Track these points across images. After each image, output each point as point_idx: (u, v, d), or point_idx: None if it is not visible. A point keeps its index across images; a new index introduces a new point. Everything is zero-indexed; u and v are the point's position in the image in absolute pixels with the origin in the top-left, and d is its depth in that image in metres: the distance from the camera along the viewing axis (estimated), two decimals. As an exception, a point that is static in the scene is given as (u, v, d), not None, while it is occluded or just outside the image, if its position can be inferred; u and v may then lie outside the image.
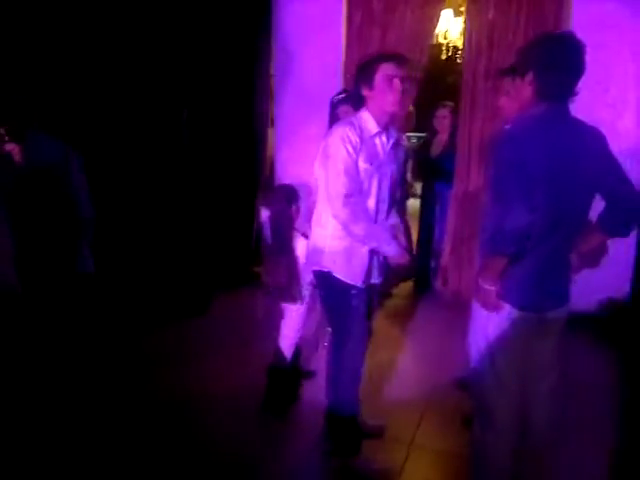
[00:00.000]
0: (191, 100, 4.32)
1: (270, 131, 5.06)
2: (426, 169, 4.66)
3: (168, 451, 2.61)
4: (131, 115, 4.01)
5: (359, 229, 2.31)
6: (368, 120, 2.32)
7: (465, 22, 4.32)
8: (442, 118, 4.55)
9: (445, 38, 5.63)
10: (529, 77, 1.86)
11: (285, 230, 2.81)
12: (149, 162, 4.09)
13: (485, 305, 1.95)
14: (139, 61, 4.02)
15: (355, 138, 2.25)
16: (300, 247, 2.79)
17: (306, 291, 2.84)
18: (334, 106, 3.29)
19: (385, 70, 2.25)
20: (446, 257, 4.58)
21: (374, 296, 2.63)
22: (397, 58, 2.30)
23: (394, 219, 2.56)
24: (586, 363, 3.51)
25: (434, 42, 5.68)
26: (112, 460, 2.52)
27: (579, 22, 3.93)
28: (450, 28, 5.58)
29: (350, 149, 2.24)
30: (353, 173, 2.27)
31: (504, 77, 2.62)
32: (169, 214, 4.22)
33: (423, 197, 4.79)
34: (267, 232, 2.86)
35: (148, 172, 4.09)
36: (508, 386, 1.99)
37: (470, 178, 4.22)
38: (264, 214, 2.86)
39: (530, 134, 1.82)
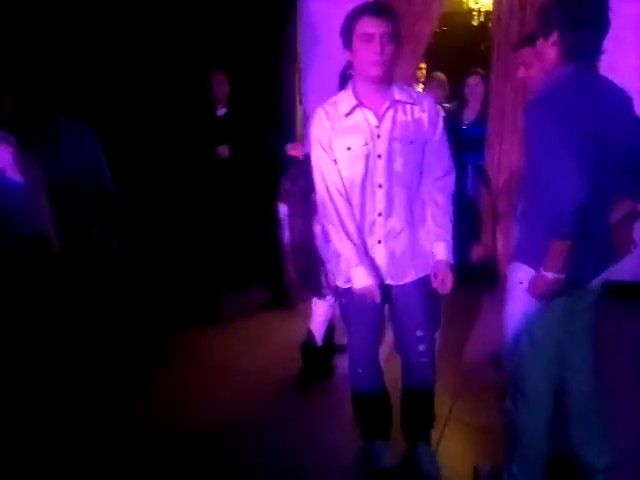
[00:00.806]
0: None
1: (299, 108, 5.02)
2: (456, 140, 4.53)
3: (214, 416, 2.73)
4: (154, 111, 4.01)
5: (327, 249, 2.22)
6: (344, 96, 1.99)
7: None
8: (474, 86, 4.38)
9: (476, 3, 5.45)
10: (553, 37, 1.76)
11: (300, 227, 2.75)
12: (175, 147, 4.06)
13: (543, 295, 1.82)
14: (168, 47, 4.04)
15: (327, 124, 1.96)
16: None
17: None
18: (345, 79, 2.92)
19: (361, 28, 1.87)
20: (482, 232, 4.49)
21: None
22: (375, 10, 1.88)
23: (401, 219, 2.03)
24: (620, 330, 3.44)
25: (465, 7, 5.53)
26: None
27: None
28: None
29: (323, 142, 1.97)
30: (332, 178, 1.97)
31: (523, 48, 2.47)
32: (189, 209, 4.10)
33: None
34: (284, 229, 2.86)
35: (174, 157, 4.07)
36: (543, 354, 1.94)
37: (502, 148, 4.09)
38: (282, 210, 2.85)
39: (568, 97, 1.72)
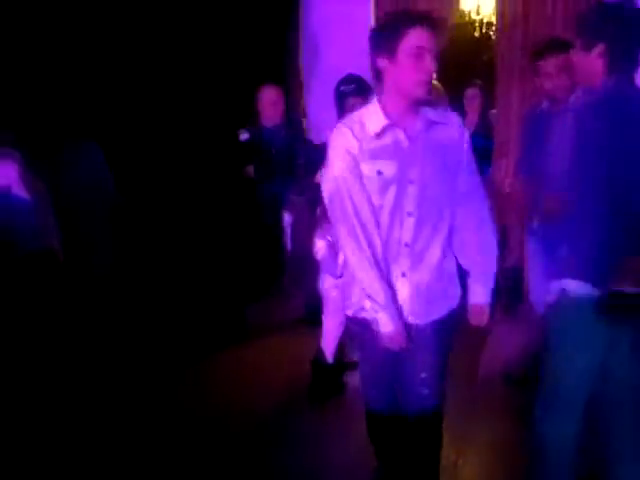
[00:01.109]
0: (220, 97, 4.32)
1: (304, 122, 5.01)
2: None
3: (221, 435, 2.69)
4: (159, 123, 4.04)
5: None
6: (373, 112, 1.76)
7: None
8: (472, 98, 4.38)
9: (478, 14, 5.46)
10: (599, 49, 1.71)
11: (304, 237, 2.74)
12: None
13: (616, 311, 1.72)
14: (173, 61, 4.07)
15: (354, 144, 1.72)
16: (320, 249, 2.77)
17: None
18: (341, 96, 2.78)
19: (415, 39, 1.65)
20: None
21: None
22: (432, 23, 1.68)
23: (429, 251, 1.81)
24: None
25: (466, 19, 5.53)
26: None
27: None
28: (482, 3, 5.40)
29: (349, 164, 1.73)
30: (360, 204, 1.75)
31: (547, 58, 2.50)
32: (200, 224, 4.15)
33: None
34: (288, 238, 2.84)
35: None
36: (583, 364, 1.85)
37: (509, 159, 4.06)
38: (286, 219, 2.83)
39: (619, 108, 1.69)
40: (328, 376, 2.98)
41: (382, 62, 1.70)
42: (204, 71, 4.15)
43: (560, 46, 2.51)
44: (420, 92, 1.69)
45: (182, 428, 2.78)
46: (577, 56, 1.81)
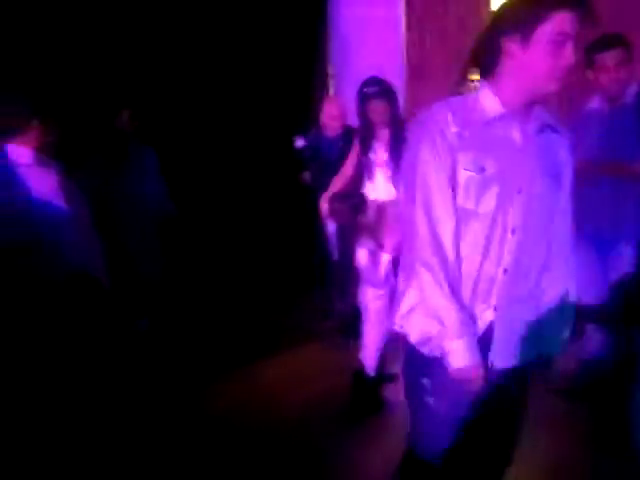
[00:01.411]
0: (249, 104, 4.32)
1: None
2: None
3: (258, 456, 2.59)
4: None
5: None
6: (486, 97, 1.43)
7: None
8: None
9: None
10: None
11: (352, 244, 2.68)
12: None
13: None
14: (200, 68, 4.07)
15: (453, 129, 1.38)
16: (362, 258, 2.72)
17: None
18: (364, 98, 2.71)
19: (559, 23, 1.31)
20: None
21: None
22: (583, 5, 1.33)
23: (531, 280, 1.48)
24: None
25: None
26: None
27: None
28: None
29: (440, 155, 1.39)
30: (443, 207, 1.40)
31: (602, 52, 2.50)
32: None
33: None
34: (333, 247, 2.77)
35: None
36: None
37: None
38: (330, 227, 2.76)
39: None
40: (369, 390, 2.89)
41: (510, 43, 1.35)
42: (240, 77, 4.14)
43: (617, 40, 2.52)
44: (551, 87, 1.36)
45: (215, 438, 2.74)
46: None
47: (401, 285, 1.55)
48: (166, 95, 4.04)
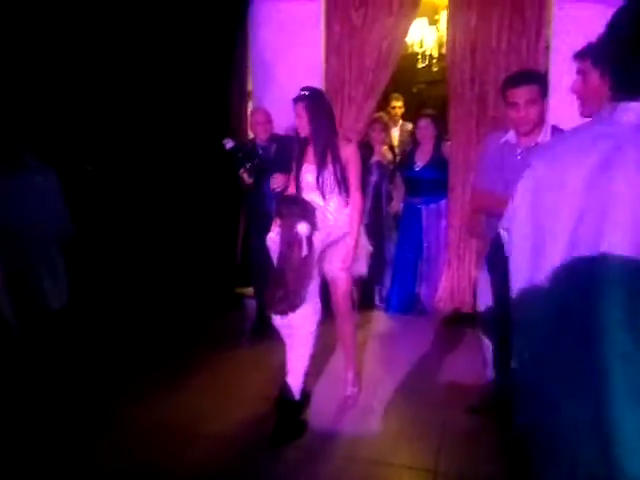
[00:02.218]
0: (167, 121, 4.21)
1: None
2: (410, 183, 4.52)
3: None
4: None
5: None
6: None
7: (447, 29, 4.25)
8: (424, 128, 4.40)
9: (421, 47, 5.59)
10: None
11: (296, 253, 2.56)
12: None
13: None
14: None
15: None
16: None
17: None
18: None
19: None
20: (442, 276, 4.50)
21: None
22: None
23: None
24: None
25: (410, 51, 5.64)
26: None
27: (560, 27, 3.94)
28: (425, 37, 5.55)
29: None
30: None
31: (514, 87, 2.51)
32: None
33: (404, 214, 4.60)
34: (274, 253, 2.65)
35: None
36: None
37: (465, 189, 4.11)
38: (274, 231, 2.64)
39: None
40: (293, 415, 2.80)
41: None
42: (158, 92, 4.02)
43: (529, 78, 2.54)
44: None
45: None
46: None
47: None
48: (83, 109, 3.87)
